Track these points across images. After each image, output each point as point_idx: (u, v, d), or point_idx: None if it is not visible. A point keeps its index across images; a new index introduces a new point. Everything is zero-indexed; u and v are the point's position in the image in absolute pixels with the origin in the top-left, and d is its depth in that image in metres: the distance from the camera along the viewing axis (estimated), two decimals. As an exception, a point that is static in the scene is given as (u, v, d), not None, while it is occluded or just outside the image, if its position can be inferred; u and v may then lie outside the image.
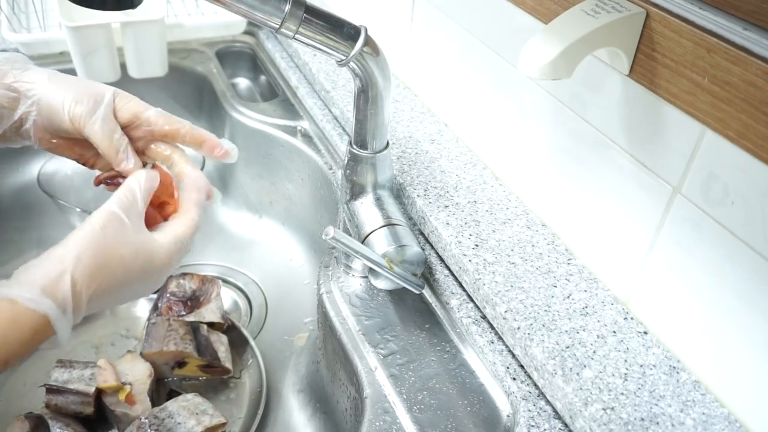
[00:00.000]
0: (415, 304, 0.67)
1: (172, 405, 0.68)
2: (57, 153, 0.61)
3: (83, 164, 0.62)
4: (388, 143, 0.66)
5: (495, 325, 0.59)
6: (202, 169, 0.97)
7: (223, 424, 0.68)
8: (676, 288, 0.53)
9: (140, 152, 0.61)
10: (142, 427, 0.65)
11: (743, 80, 0.43)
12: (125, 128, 0.60)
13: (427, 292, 0.68)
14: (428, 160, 0.76)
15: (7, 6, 1.05)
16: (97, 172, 0.62)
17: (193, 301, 0.79)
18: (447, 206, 0.69)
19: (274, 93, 1.06)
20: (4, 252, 0.97)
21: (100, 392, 0.70)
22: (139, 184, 0.54)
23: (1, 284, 0.46)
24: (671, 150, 0.51)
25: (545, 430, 0.52)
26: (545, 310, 0.57)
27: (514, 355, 0.58)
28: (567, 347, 0.54)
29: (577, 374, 0.52)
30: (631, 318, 0.57)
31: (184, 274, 0.82)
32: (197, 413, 0.67)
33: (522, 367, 0.57)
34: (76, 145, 0.60)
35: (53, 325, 0.45)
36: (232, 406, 0.76)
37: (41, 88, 0.57)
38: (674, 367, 0.53)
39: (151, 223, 0.54)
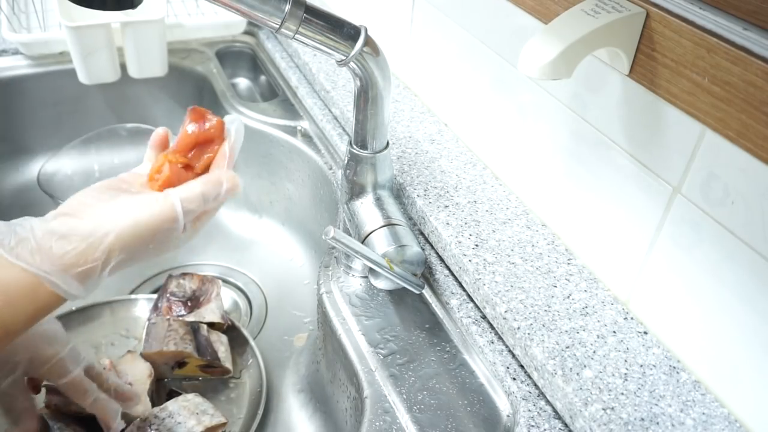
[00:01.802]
0: (415, 304, 0.67)
1: (172, 405, 0.68)
2: None
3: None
4: (388, 143, 0.66)
5: (495, 325, 0.59)
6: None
7: (223, 424, 0.68)
8: (676, 288, 0.53)
9: None
10: (142, 426, 0.65)
11: (743, 80, 0.43)
12: None
13: (427, 292, 0.68)
14: (428, 160, 0.76)
15: (7, 6, 1.05)
16: None
17: (193, 301, 0.79)
18: (447, 206, 0.69)
19: (274, 93, 1.06)
20: (4, 252, 0.96)
21: (100, 392, 0.70)
22: (212, 191, 0.54)
23: (32, 249, 0.47)
24: (671, 150, 0.51)
25: (545, 430, 0.52)
26: (545, 310, 0.57)
27: (514, 355, 0.58)
28: (567, 347, 0.54)
29: (577, 374, 0.52)
30: (631, 318, 0.57)
31: (184, 274, 0.82)
32: (197, 413, 0.67)
33: (522, 367, 0.57)
34: None
35: (73, 299, 0.49)
36: (232, 406, 0.75)
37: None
38: (674, 367, 0.53)
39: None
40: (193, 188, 0.54)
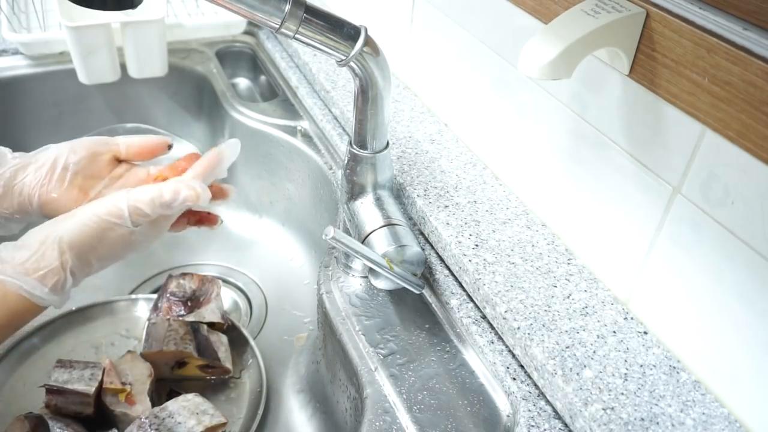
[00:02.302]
0: (415, 304, 0.67)
1: (172, 405, 0.68)
2: None
3: None
4: (388, 143, 0.66)
5: (495, 325, 0.59)
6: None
7: (224, 424, 0.68)
8: (676, 288, 0.53)
9: None
10: (142, 426, 0.65)
11: (743, 80, 0.43)
12: None
13: (427, 292, 0.68)
14: (428, 160, 0.76)
15: (7, 6, 1.05)
16: None
17: (193, 301, 0.79)
18: (447, 206, 0.69)
19: (274, 93, 1.06)
20: (4, 252, 0.96)
21: (100, 392, 0.70)
22: (164, 196, 0.58)
23: None
24: (671, 150, 0.51)
25: (545, 430, 0.52)
26: (545, 310, 0.57)
27: (514, 355, 0.58)
28: (567, 347, 0.54)
29: (577, 374, 0.52)
30: (631, 318, 0.57)
31: (184, 274, 0.82)
32: (197, 413, 0.67)
33: (522, 367, 0.57)
34: None
35: (45, 305, 0.52)
36: (232, 406, 0.76)
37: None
38: (674, 367, 0.53)
39: None
40: (145, 190, 0.57)
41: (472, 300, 0.63)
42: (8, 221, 0.62)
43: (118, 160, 0.67)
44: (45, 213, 0.61)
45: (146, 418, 0.66)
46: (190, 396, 0.69)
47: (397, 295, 0.68)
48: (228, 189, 0.67)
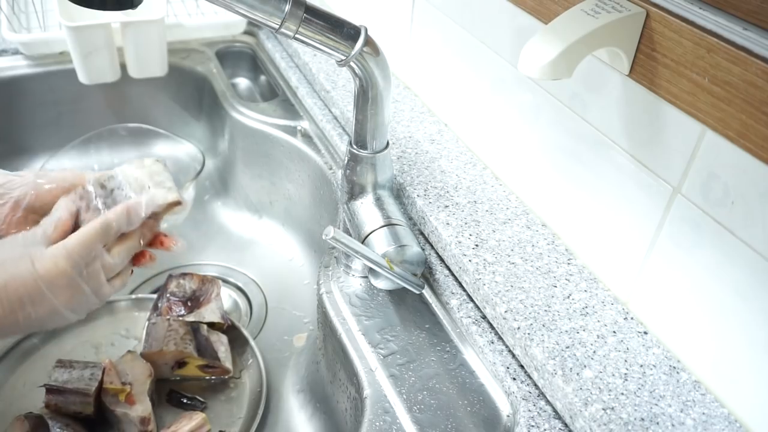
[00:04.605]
0: (415, 304, 0.67)
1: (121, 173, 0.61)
2: None
3: None
4: (388, 143, 0.66)
5: (495, 325, 0.59)
6: (201, 169, 0.97)
7: (178, 203, 0.60)
8: (676, 288, 0.53)
9: None
10: (84, 197, 0.59)
11: (743, 80, 0.43)
12: None
13: (427, 292, 0.68)
14: (428, 160, 0.76)
15: (7, 6, 1.05)
16: None
17: (193, 301, 0.79)
18: (447, 206, 0.69)
19: (274, 93, 1.06)
20: (4, 252, 0.96)
21: (100, 392, 0.70)
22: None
23: None
24: (671, 150, 0.51)
25: (545, 430, 0.52)
26: (545, 310, 0.57)
27: (514, 355, 0.58)
28: (567, 347, 0.54)
29: (577, 374, 0.52)
30: (631, 318, 0.57)
31: (184, 274, 0.82)
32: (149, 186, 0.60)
33: (522, 367, 0.57)
34: None
35: None
36: (232, 406, 0.76)
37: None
38: (674, 367, 0.53)
39: None
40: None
41: (472, 300, 0.63)
42: None
43: None
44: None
45: (92, 186, 0.60)
46: (148, 161, 0.61)
47: (397, 295, 0.68)
48: (171, 241, 0.64)
